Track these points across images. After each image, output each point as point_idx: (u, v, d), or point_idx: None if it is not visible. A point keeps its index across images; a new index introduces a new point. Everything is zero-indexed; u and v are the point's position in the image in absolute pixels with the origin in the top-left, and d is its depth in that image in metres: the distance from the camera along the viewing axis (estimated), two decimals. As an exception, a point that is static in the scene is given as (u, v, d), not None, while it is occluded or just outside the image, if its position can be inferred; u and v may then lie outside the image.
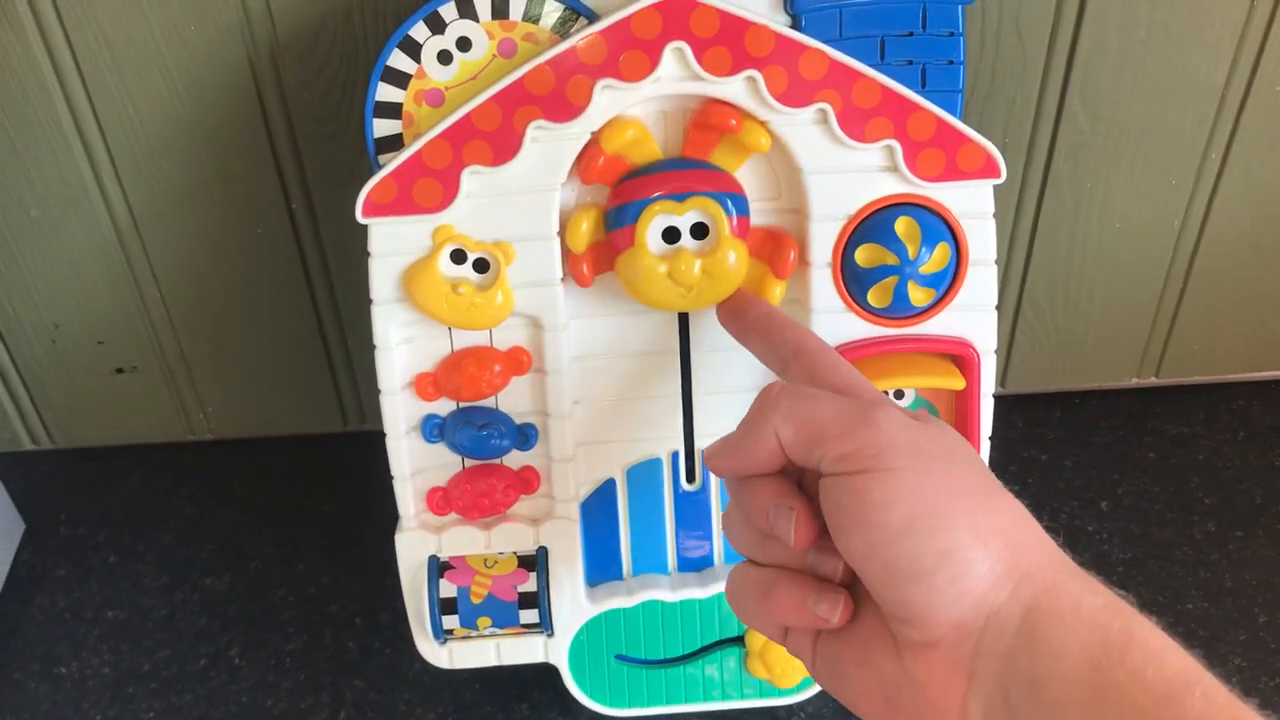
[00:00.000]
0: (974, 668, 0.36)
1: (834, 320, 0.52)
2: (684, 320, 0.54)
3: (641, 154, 0.51)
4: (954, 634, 0.36)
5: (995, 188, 0.51)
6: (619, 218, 0.50)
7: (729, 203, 0.50)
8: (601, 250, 0.52)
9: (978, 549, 0.36)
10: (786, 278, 0.52)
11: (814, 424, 0.39)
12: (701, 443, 0.55)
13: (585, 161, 0.50)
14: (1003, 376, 0.75)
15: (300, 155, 0.63)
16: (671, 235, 0.50)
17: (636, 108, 0.50)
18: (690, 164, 0.51)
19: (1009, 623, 0.36)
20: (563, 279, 0.52)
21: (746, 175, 0.51)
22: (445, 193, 0.50)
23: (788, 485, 0.41)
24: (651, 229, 0.50)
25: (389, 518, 0.56)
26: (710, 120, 0.50)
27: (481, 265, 0.51)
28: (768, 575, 0.42)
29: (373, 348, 0.52)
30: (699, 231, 0.50)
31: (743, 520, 0.43)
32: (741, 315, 0.50)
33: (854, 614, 0.40)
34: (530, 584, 0.55)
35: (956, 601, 0.36)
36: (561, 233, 0.51)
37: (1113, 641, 0.34)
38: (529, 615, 0.55)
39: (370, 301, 0.52)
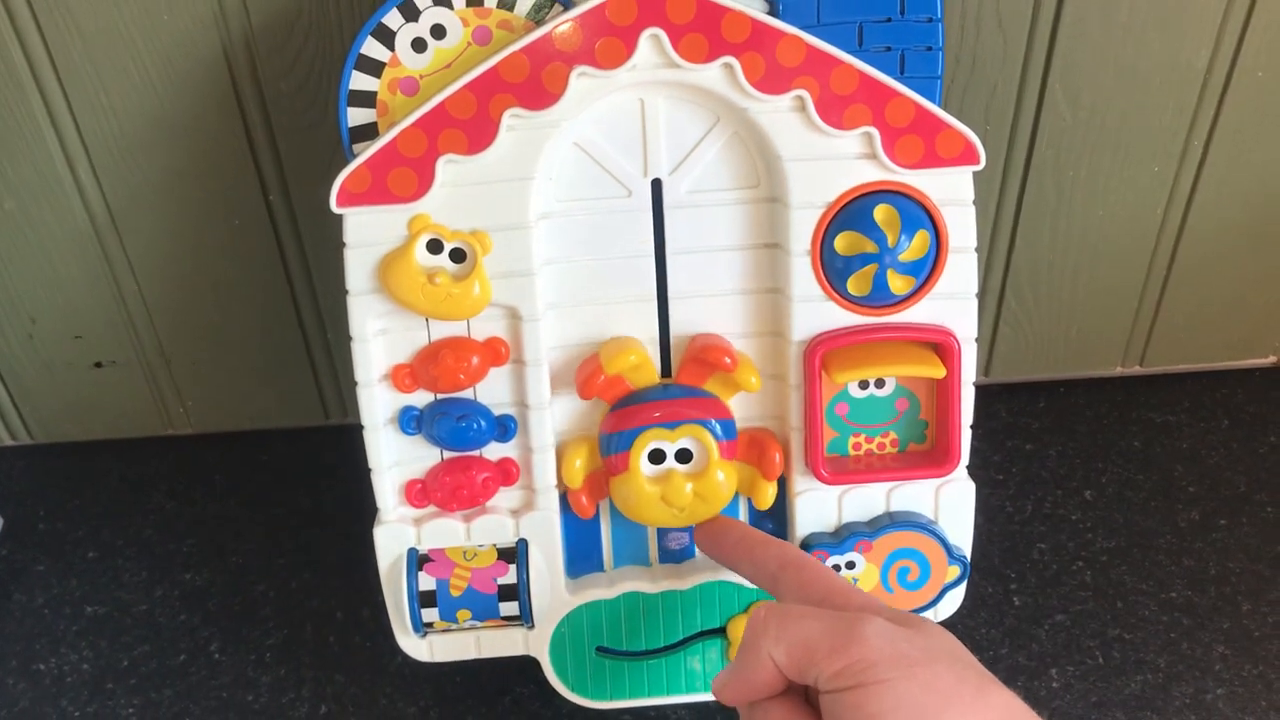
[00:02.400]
0: None
1: (813, 309, 0.52)
2: (663, 312, 0.53)
3: (640, 378, 0.53)
4: None
5: (976, 175, 0.51)
6: (614, 444, 0.52)
7: (718, 428, 0.52)
8: (597, 479, 0.54)
9: None
10: (775, 479, 0.54)
11: (804, 645, 0.40)
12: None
13: (586, 379, 0.52)
14: (986, 365, 0.75)
15: (277, 146, 0.62)
16: (663, 458, 0.53)
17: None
18: (682, 391, 0.53)
19: None
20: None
21: (724, 163, 0.51)
22: (420, 182, 0.49)
23: (797, 704, 0.42)
24: (645, 454, 0.52)
25: (371, 511, 0.55)
26: (707, 358, 0.52)
27: (458, 255, 0.51)
28: None
29: (351, 339, 0.52)
30: (688, 456, 0.53)
31: None
32: (721, 540, 0.52)
33: None
34: (510, 576, 0.55)
35: None
36: (558, 470, 0.54)
37: None
38: (509, 608, 0.55)
39: (347, 292, 0.51)
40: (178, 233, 0.66)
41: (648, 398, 0.53)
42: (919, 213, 0.51)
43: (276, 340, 0.71)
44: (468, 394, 0.53)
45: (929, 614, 0.57)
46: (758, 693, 0.43)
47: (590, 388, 0.52)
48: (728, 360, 0.51)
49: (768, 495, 0.54)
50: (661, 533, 0.57)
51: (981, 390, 0.56)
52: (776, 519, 0.56)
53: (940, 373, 0.53)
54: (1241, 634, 0.60)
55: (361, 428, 0.53)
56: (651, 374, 0.53)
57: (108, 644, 0.64)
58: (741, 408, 0.54)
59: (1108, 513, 0.68)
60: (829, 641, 0.40)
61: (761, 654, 0.41)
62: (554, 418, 0.54)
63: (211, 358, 0.71)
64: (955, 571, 0.56)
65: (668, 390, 0.53)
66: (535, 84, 0.48)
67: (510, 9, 0.48)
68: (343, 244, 0.50)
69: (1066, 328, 0.73)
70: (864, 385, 0.55)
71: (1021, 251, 0.69)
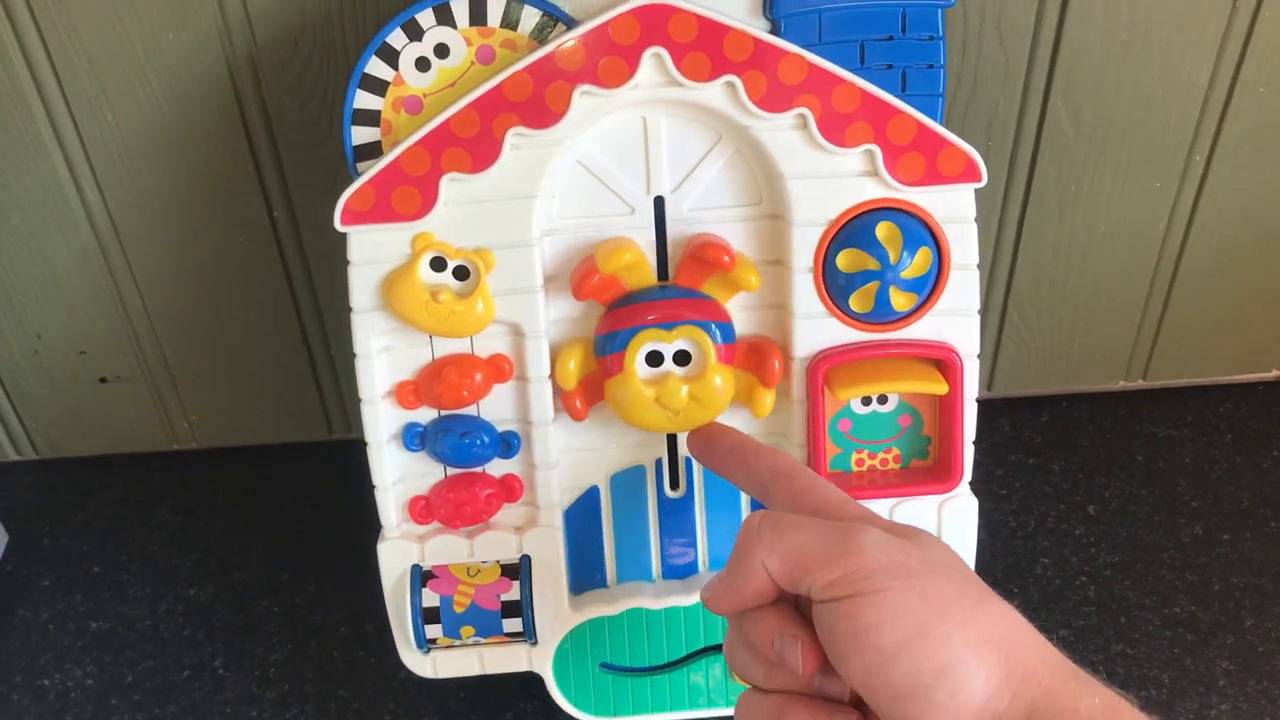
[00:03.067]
0: None
1: (815, 325, 0.52)
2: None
3: (636, 278, 0.52)
4: None
5: (978, 191, 0.51)
6: (609, 344, 0.51)
7: (716, 331, 0.51)
8: (592, 383, 0.53)
9: (974, 660, 0.37)
10: (774, 385, 0.53)
11: (799, 554, 0.40)
12: (686, 449, 0.55)
13: (580, 279, 0.51)
14: (989, 380, 0.75)
15: (281, 163, 0.63)
16: (659, 360, 0.51)
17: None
18: (679, 292, 0.52)
19: None
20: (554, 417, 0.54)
21: (727, 181, 0.51)
22: (424, 200, 0.49)
23: (789, 613, 0.41)
24: (640, 355, 0.51)
25: (374, 527, 0.55)
26: (705, 255, 0.51)
27: (461, 273, 0.51)
28: (776, 703, 0.42)
29: (355, 356, 0.52)
30: (685, 358, 0.52)
31: (747, 650, 0.43)
32: (715, 447, 0.51)
33: None
34: (513, 592, 0.55)
35: (957, 715, 0.36)
36: (551, 370, 0.52)
37: None
38: (512, 624, 0.55)
39: (351, 310, 0.51)
40: (182, 248, 0.66)
41: (644, 298, 0.52)
42: (921, 230, 0.51)
43: (280, 355, 0.71)
44: (471, 410, 0.54)
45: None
46: (748, 602, 0.42)
47: (585, 288, 0.51)
48: (726, 258, 0.50)
49: (766, 404, 0.53)
50: (665, 547, 0.57)
51: (984, 405, 0.56)
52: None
53: (942, 389, 0.53)
54: (1245, 649, 0.60)
55: (365, 444, 0.53)
56: (647, 275, 0.52)
57: (112, 659, 0.64)
58: (745, 423, 0.54)
59: (1111, 527, 0.68)
60: (824, 550, 0.39)
61: (754, 562, 0.41)
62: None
63: (215, 372, 0.72)
64: (958, 587, 0.56)
65: (665, 291, 0.52)
66: (538, 103, 0.48)
67: (514, 28, 0.49)
68: (346, 261, 0.51)
69: (1069, 343, 0.73)
70: (867, 401, 0.55)
71: (1023, 267, 0.69)
